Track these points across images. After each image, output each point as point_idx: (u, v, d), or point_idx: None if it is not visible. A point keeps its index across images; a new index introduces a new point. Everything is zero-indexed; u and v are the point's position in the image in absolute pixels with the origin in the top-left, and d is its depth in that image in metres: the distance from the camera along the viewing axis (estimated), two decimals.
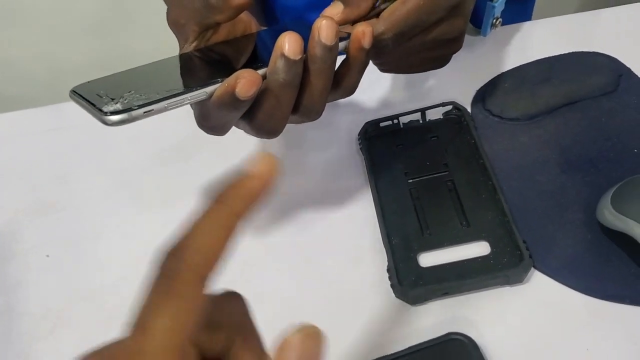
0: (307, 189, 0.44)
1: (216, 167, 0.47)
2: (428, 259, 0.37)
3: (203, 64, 0.32)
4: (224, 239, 0.18)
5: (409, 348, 0.33)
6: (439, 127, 0.45)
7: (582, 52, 0.49)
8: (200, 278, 0.18)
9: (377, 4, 0.33)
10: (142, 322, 0.17)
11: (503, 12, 0.50)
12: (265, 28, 0.36)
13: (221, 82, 0.28)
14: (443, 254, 0.37)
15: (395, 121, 0.46)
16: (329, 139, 0.48)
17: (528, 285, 0.36)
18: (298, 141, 0.48)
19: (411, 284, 0.36)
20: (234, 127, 0.34)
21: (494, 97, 0.47)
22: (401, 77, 0.51)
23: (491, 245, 0.37)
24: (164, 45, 0.46)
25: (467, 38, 0.52)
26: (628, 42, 0.49)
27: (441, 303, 0.36)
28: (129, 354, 0.17)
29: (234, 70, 0.28)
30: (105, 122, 0.25)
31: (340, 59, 0.31)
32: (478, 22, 0.51)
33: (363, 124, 0.46)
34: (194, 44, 0.33)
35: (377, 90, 0.51)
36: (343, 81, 0.32)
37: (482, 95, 0.47)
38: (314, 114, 0.32)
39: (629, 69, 0.46)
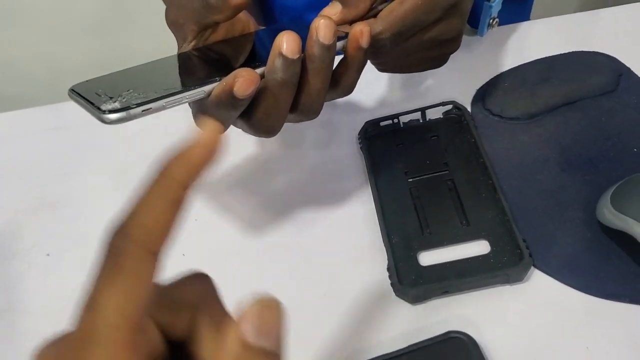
0: (307, 188, 0.44)
1: (215, 166, 0.47)
2: (428, 257, 0.37)
3: (201, 63, 0.32)
4: (171, 212, 0.18)
5: (409, 346, 0.33)
6: (439, 127, 0.45)
7: (582, 51, 0.49)
8: (149, 252, 0.17)
9: (375, 4, 0.33)
10: (92, 301, 0.17)
11: (501, 12, 0.50)
12: (263, 27, 0.36)
13: (219, 81, 0.28)
14: (443, 252, 0.38)
15: (396, 120, 0.46)
16: (329, 138, 0.48)
17: (528, 284, 0.36)
18: (298, 140, 0.48)
19: (411, 282, 0.36)
20: (232, 126, 0.34)
21: (494, 97, 0.47)
22: (401, 76, 0.51)
23: (491, 244, 0.37)
24: (164, 45, 0.46)
25: (465, 38, 0.52)
26: (628, 41, 0.49)
27: (441, 302, 0.36)
28: (81, 336, 0.17)
29: (232, 69, 0.28)
30: (104, 121, 0.25)
31: (338, 58, 0.31)
32: (475, 22, 0.51)
33: (363, 123, 0.46)
34: (192, 44, 0.33)
35: (377, 89, 0.51)
36: (341, 80, 0.32)
37: (482, 95, 0.47)
38: (312, 113, 0.32)
39: (628, 69, 0.46)
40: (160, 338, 0.19)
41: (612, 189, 0.36)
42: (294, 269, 0.40)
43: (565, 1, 1.23)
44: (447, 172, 0.42)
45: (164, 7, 0.34)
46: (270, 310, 0.18)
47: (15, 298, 0.42)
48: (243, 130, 0.33)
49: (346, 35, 0.31)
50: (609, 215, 0.35)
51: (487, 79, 0.49)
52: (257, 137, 0.42)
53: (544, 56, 0.49)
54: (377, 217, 0.40)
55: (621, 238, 0.35)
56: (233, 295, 0.41)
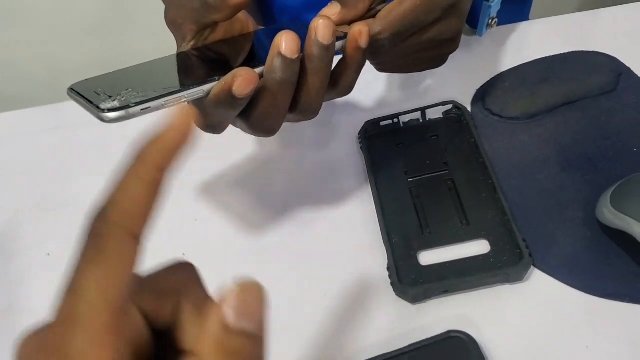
0: (307, 187, 0.45)
1: (214, 166, 0.47)
2: (428, 257, 0.37)
3: (200, 62, 0.32)
4: (149, 194, 0.18)
5: (409, 346, 0.33)
6: (439, 126, 0.45)
7: (582, 51, 0.49)
8: (129, 235, 0.17)
9: (374, 4, 0.34)
10: (73, 285, 0.17)
11: (500, 12, 0.50)
12: (262, 27, 0.36)
13: (218, 80, 0.28)
14: (443, 252, 0.38)
15: (396, 120, 0.46)
16: (329, 138, 0.48)
17: (528, 284, 0.36)
18: (298, 140, 0.48)
19: (411, 282, 0.36)
20: (231, 126, 0.34)
21: (494, 96, 0.47)
22: (401, 76, 0.51)
23: (491, 244, 0.37)
24: (164, 45, 0.47)
25: (464, 38, 0.52)
26: (627, 41, 0.49)
27: (441, 301, 0.36)
28: (63, 321, 0.17)
29: (231, 68, 0.28)
30: (103, 119, 0.25)
31: (337, 59, 0.31)
32: (474, 22, 0.51)
33: (363, 123, 0.46)
34: (191, 43, 0.33)
35: (377, 89, 0.51)
36: (340, 81, 0.32)
37: (482, 95, 0.48)
38: (311, 112, 0.32)
39: (628, 69, 0.46)
40: (145, 325, 0.19)
41: (611, 188, 0.36)
42: (294, 268, 0.40)
43: (565, 1, 1.23)
44: (447, 171, 0.42)
45: (163, 7, 0.34)
46: (251, 294, 0.18)
47: (15, 298, 0.42)
48: (242, 129, 0.33)
49: (345, 36, 0.31)
50: (609, 214, 0.35)
51: (487, 79, 0.49)
52: (257, 137, 0.42)
53: (543, 56, 0.49)
54: (377, 217, 0.40)
55: (621, 238, 0.35)
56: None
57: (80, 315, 0.17)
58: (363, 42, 0.31)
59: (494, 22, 0.50)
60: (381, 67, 0.37)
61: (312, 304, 0.38)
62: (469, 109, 0.47)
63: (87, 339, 0.16)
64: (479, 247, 0.37)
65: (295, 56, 0.28)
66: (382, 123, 0.46)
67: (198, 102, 0.30)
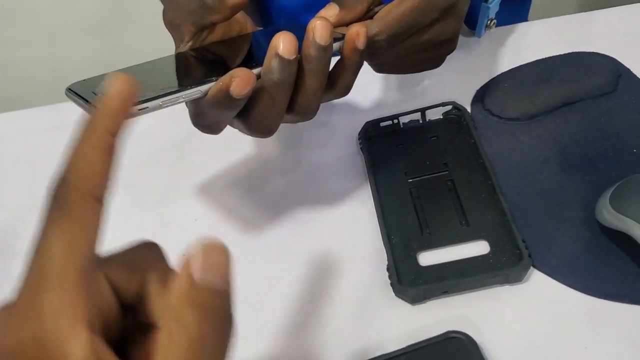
0: (307, 188, 0.45)
1: (212, 166, 0.47)
2: (428, 258, 0.38)
3: (198, 63, 0.32)
4: (105, 158, 0.19)
5: (409, 346, 0.33)
6: (439, 127, 0.45)
7: (582, 52, 0.49)
8: (90, 196, 0.18)
9: (372, 6, 0.34)
10: (38, 248, 0.17)
11: (499, 13, 0.50)
12: (260, 29, 0.37)
13: (216, 80, 0.28)
14: (442, 253, 0.38)
15: (395, 121, 0.46)
16: (329, 138, 0.48)
17: (527, 284, 0.36)
18: (298, 141, 0.48)
19: (411, 282, 0.36)
20: (229, 127, 0.34)
21: (493, 97, 0.47)
22: (401, 77, 0.51)
23: (490, 245, 0.37)
24: (164, 46, 0.47)
25: (463, 39, 0.52)
26: (627, 42, 0.49)
27: (440, 302, 0.36)
28: (32, 282, 0.17)
29: (229, 69, 0.28)
30: None
31: (335, 59, 0.31)
32: (472, 23, 0.51)
33: (363, 123, 0.47)
34: (189, 44, 0.33)
35: (377, 90, 0.51)
36: (337, 82, 0.32)
37: (482, 95, 0.48)
38: (309, 113, 0.32)
39: (628, 69, 0.47)
40: (114, 299, 0.20)
41: (611, 189, 0.36)
42: (294, 269, 0.40)
43: (563, 2, 1.23)
44: (446, 172, 0.42)
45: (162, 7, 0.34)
46: (215, 250, 0.19)
47: None
48: (239, 130, 0.33)
49: (343, 37, 0.31)
50: (608, 215, 0.35)
51: (487, 80, 0.49)
52: (257, 138, 0.42)
53: (543, 57, 0.49)
54: (377, 217, 0.40)
55: (620, 238, 0.35)
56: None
57: (48, 275, 0.17)
58: (360, 43, 0.31)
59: (492, 23, 0.50)
60: (379, 68, 0.38)
61: (311, 304, 0.38)
62: (469, 109, 0.47)
63: (58, 297, 0.17)
64: (478, 248, 0.37)
65: (292, 57, 0.28)
66: (382, 124, 0.46)
67: (196, 103, 0.30)
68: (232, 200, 0.45)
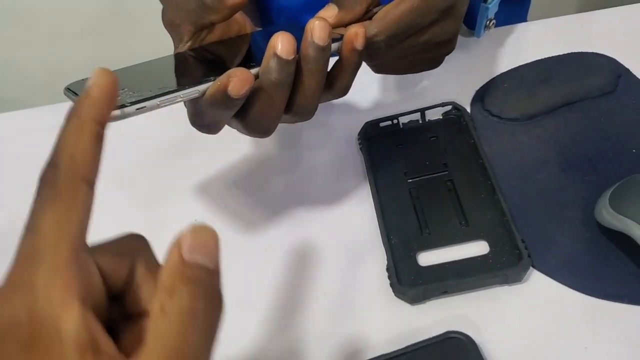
0: (307, 188, 0.45)
1: (212, 166, 0.47)
2: (427, 258, 0.38)
3: (197, 63, 0.32)
4: (93, 143, 0.20)
5: (408, 347, 0.33)
6: (439, 127, 0.45)
7: (581, 52, 0.49)
8: (79, 178, 0.19)
9: (371, 7, 0.34)
10: (31, 224, 0.18)
11: (498, 13, 0.50)
12: (259, 29, 0.37)
13: (214, 80, 0.28)
14: (442, 253, 0.38)
15: (395, 121, 0.46)
16: (329, 138, 0.48)
17: (527, 285, 0.36)
18: (298, 141, 0.48)
19: (410, 283, 0.36)
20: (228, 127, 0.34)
21: (493, 97, 0.47)
22: (400, 77, 0.51)
23: (490, 245, 0.37)
24: (164, 46, 0.47)
25: (462, 39, 0.53)
26: (626, 42, 0.49)
27: (440, 302, 0.36)
28: (24, 258, 0.18)
29: (227, 69, 0.28)
30: None
31: (333, 60, 0.31)
32: (472, 24, 0.51)
33: (363, 124, 0.47)
34: (188, 44, 0.33)
35: (376, 90, 0.51)
36: (336, 82, 0.32)
37: (482, 96, 0.48)
38: (307, 114, 0.33)
39: (627, 70, 0.47)
40: (102, 284, 0.20)
41: (610, 189, 0.36)
42: (294, 269, 0.40)
43: (562, 3, 1.23)
44: (446, 172, 0.42)
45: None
46: (203, 232, 0.20)
47: None
48: (237, 130, 0.33)
49: (341, 37, 0.31)
50: (608, 216, 0.35)
51: (487, 80, 0.49)
52: (257, 138, 0.42)
53: (542, 57, 0.49)
54: (376, 218, 0.40)
55: (620, 239, 0.35)
56: (232, 294, 0.41)
57: (41, 251, 0.18)
58: (359, 43, 0.31)
59: (491, 23, 0.50)
60: (377, 69, 0.38)
61: (311, 305, 0.38)
62: (469, 110, 0.47)
63: (51, 271, 0.17)
64: (478, 248, 0.37)
65: (290, 57, 0.28)
66: (382, 124, 0.46)
67: (194, 102, 0.30)
68: (232, 200, 0.45)
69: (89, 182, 0.19)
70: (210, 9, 0.31)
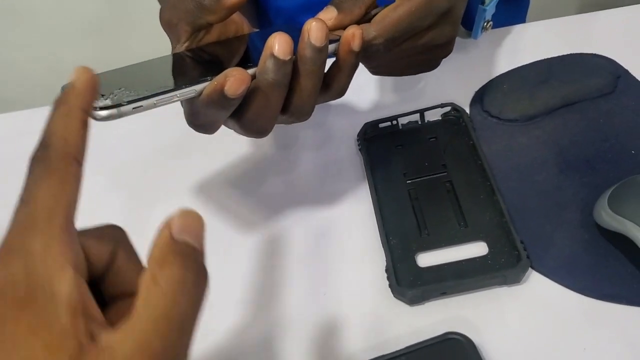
0: (306, 188, 0.45)
1: (210, 166, 0.47)
2: (426, 259, 0.38)
3: (194, 63, 0.32)
4: (80, 126, 0.21)
5: (407, 348, 0.33)
6: (438, 128, 0.45)
7: (581, 53, 0.49)
8: (69, 156, 0.20)
9: (369, 9, 0.34)
10: (25, 197, 0.19)
11: (497, 14, 0.50)
12: (257, 30, 0.37)
13: (211, 80, 0.29)
14: (441, 254, 0.38)
15: (394, 122, 0.46)
16: (328, 139, 0.48)
17: (525, 286, 0.36)
18: (297, 142, 0.48)
19: (409, 284, 0.36)
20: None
21: (492, 98, 0.47)
22: (400, 78, 0.51)
23: (489, 246, 0.37)
24: (164, 46, 0.47)
25: (461, 40, 0.53)
26: (626, 43, 0.49)
27: (439, 303, 0.36)
28: (20, 225, 0.19)
29: (224, 70, 0.29)
30: (95, 117, 0.26)
31: (331, 61, 0.31)
32: (469, 25, 0.51)
33: (362, 124, 0.47)
34: (185, 44, 0.33)
35: (375, 91, 0.51)
36: (332, 83, 0.33)
37: (481, 97, 0.48)
38: (303, 114, 0.33)
39: (626, 71, 0.47)
40: (86, 267, 0.21)
41: (609, 190, 0.36)
42: (293, 269, 0.40)
43: (561, 4, 1.24)
44: (445, 173, 0.42)
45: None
46: (191, 215, 0.21)
47: None
48: (234, 130, 0.33)
49: (338, 39, 0.31)
50: (606, 217, 0.35)
51: (486, 81, 0.49)
52: (257, 139, 0.42)
53: (541, 58, 0.49)
54: (375, 218, 0.40)
55: (618, 240, 0.35)
56: (232, 294, 0.41)
57: (37, 219, 0.19)
58: (356, 45, 0.31)
59: (489, 25, 0.50)
60: (375, 71, 0.38)
61: (310, 306, 0.38)
62: (468, 111, 0.47)
63: (47, 237, 0.19)
64: (477, 249, 0.37)
65: (287, 57, 0.28)
66: (381, 125, 0.47)
67: (190, 102, 0.30)
68: (230, 201, 0.45)
69: (78, 160, 0.21)
70: (208, 10, 0.31)
